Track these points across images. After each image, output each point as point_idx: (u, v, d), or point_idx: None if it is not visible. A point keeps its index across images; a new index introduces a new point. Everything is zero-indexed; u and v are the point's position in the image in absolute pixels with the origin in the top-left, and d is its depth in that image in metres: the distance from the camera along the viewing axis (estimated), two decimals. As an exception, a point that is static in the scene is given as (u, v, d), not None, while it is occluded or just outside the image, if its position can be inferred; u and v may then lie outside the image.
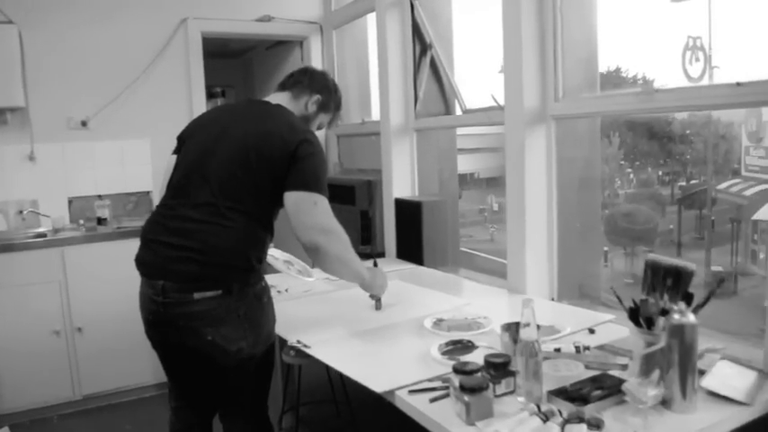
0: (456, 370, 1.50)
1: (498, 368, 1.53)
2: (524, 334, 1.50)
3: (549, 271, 2.52)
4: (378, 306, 2.28)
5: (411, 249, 3.18)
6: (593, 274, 2.69)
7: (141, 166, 3.89)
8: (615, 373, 1.62)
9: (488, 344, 1.87)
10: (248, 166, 1.84)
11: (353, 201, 3.55)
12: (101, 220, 3.59)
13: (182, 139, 2.06)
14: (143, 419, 3.14)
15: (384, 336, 2.06)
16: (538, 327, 1.52)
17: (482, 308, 2.26)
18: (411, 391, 1.60)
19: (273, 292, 2.62)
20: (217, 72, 5.19)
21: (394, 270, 3.00)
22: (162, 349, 1.99)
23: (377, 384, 1.63)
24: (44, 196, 3.68)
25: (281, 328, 2.07)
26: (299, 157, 1.84)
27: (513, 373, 1.54)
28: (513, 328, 1.73)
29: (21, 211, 3.60)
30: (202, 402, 2.07)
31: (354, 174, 3.94)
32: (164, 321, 1.85)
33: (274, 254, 2.52)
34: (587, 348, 1.81)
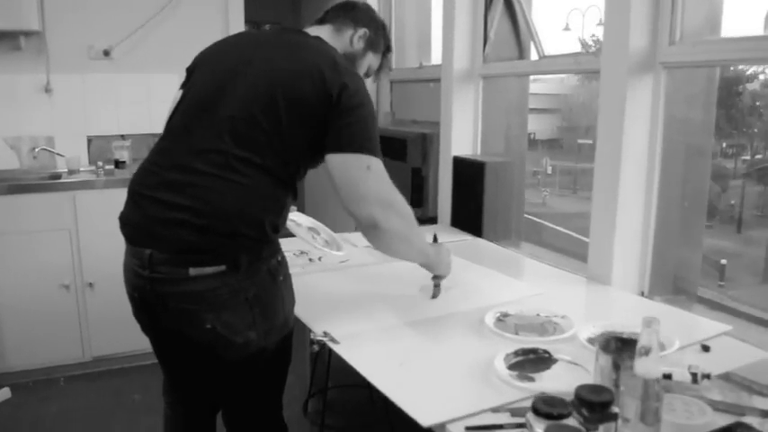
0: (538, 411, 1.05)
1: (595, 409, 1.08)
2: (642, 366, 1.03)
3: (640, 259, 2.03)
4: (437, 292, 1.84)
5: (468, 217, 2.71)
6: (691, 265, 2.18)
7: (169, 103, 3.48)
8: (753, 421, 1.15)
9: (572, 357, 1.42)
10: (273, 109, 1.41)
11: (404, 156, 3.09)
12: (119, 163, 3.22)
13: (191, 70, 1.63)
14: (154, 389, 2.79)
15: (434, 333, 1.62)
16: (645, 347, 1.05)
17: (556, 301, 1.81)
18: (468, 429, 1.16)
19: (304, 261, 2.22)
20: (266, 7, 4.75)
21: (447, 241, 2.54)
22: (153, 335, 1.60)
23: (423, 413, 1.19)
24: (61, 133, 3.35)
25: (305, 311, 1.67)
26: (345, 107, 1.42)
27: (614, 417, 1.08)
28: (612, 346, 1.26)
29: (34, 149, 3.25)
30: (202, 400, 1.68)
31: (407, 126, 3.46)
32: (152, 301, 1.45)
33: (297, 219, 2.09)
34: (707, 377, 1.32)
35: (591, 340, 1.52)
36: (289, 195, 1.53)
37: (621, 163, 1.93)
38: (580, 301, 1.95)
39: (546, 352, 1.44)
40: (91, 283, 3.03)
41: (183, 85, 1.62)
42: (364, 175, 1.43)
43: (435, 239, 1.88)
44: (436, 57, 3.41)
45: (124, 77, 3.46)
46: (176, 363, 1.64)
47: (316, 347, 1.55)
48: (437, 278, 1.83)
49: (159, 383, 1.75)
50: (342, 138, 1.42)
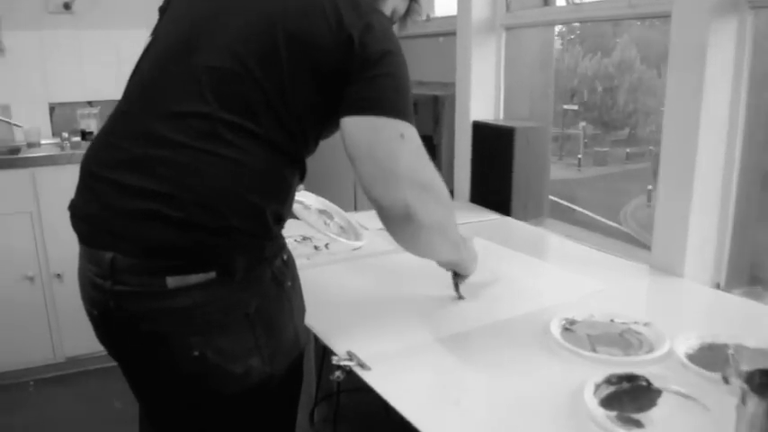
0: None
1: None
2: None
3: (717, 245, 1.69)
4: (459, 294, 1.49)
5: (492, 192, 2.37)
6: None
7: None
8: None
9: (679, 386, 1.09)
10: (273, 56, 1.06)
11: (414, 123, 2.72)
12: (86, 134, 2.84)
13: (164, 10, 1.26)
14: (137, 393, 2.51)
15: (487, 350, 1.28)
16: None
17: (623, 299, 1.50)
18: None
19: (308, 249, 1.86)
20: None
21: (468, 222, 2.20)
22: (121, 362, 1.24)
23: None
24: (18, 101, 2.99)
25: (316, 320, 1.32)
26: (371, 55, 1.07)
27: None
28: (757, 380, 0.91)
29: (-15, 118, 2.88)
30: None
31: (413, 87, 3.08)
32: (117, 322, 1.09)
33: (304, 200, 1.74)
34: None
35: (691, 357, 1.19)
36: (296, 175, 1.17)
37: (700, 129, 1.57)
38: (651, 300, 1.62)
39: (645, 379, 1.11)
40: (59, 274, 2.71)
41: (155, 30, 1.24)
42: (397, 146, 1.07)
43: None
44: (441, 8, 3.03)
45: (89, 34, 3.09)
46: (153, 396, 1.28)
47: (340, 375, 1.20)
48: (460, 277, 1.48)
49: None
50: (367, 95, 1.07)
